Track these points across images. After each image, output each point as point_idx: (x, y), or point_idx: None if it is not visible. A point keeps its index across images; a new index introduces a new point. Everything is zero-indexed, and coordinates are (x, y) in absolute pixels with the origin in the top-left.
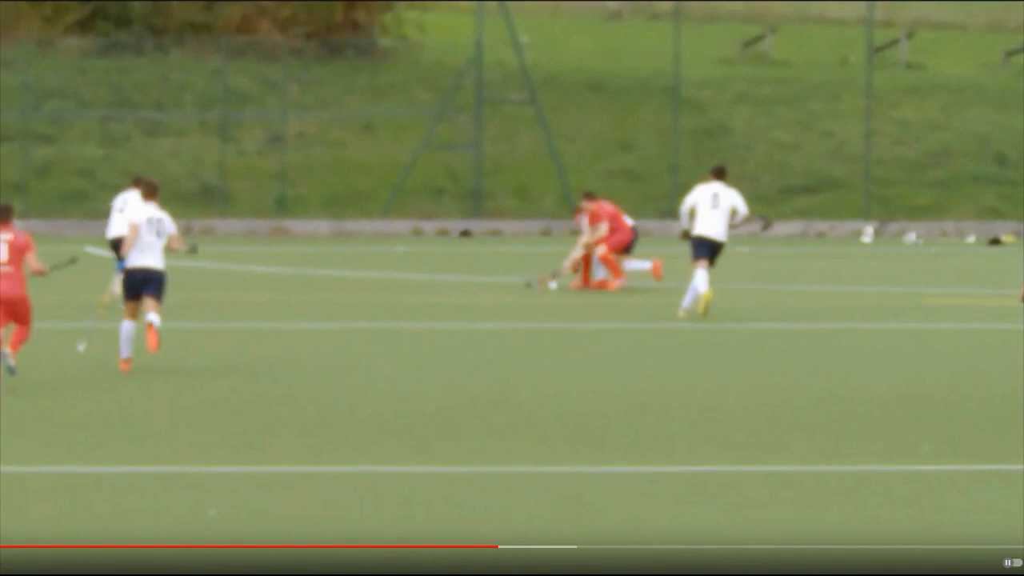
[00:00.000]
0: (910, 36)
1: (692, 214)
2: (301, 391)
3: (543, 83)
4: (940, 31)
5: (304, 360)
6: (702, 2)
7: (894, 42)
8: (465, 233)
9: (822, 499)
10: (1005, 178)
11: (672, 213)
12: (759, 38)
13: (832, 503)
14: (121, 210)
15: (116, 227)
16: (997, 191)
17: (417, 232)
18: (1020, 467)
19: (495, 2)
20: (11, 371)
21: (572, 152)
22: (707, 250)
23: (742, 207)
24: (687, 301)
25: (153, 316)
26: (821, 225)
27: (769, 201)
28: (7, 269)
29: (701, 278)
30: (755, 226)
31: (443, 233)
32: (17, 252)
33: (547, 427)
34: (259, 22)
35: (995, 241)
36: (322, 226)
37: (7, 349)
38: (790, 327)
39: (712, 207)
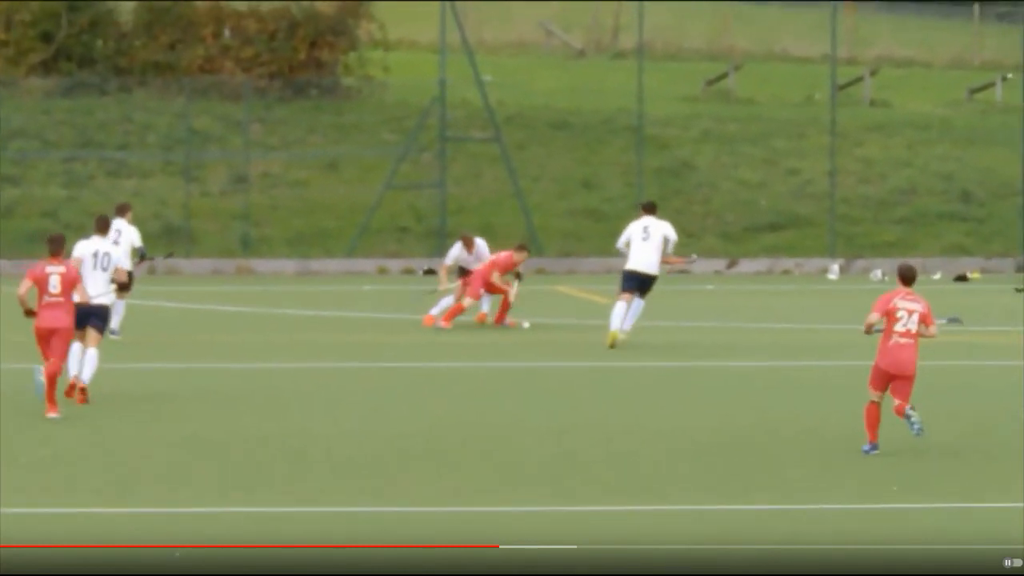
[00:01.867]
0: (874, 73)
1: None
2: (266, 431)
3: (507, 121)
4: (904, 68)
5: (269, 399)
6: (665, 40)
7: (858, 79)
8: (430, 272)
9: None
10: (970, 215)
11: None
12: (723, 76)
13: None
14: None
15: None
16: (962, 228)
17: (382, 271)
18: (1001, 504)
19: (458, 41)
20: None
21: (536, 191)
22: (635, 283)
23: (672, 235)
24: (628, 323)
25: (89, 358)
26: (787, 262)
27: (734, 239)
28: (59, 300)
29: (617, 313)
30: (686, 264)
31: (408, 272)
32: (69, 284)
33: (515, 467)
34: (222, 62)
35: (961, 278)
36: (287, 265)
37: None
38: (753, 365)
39: (643, 240)
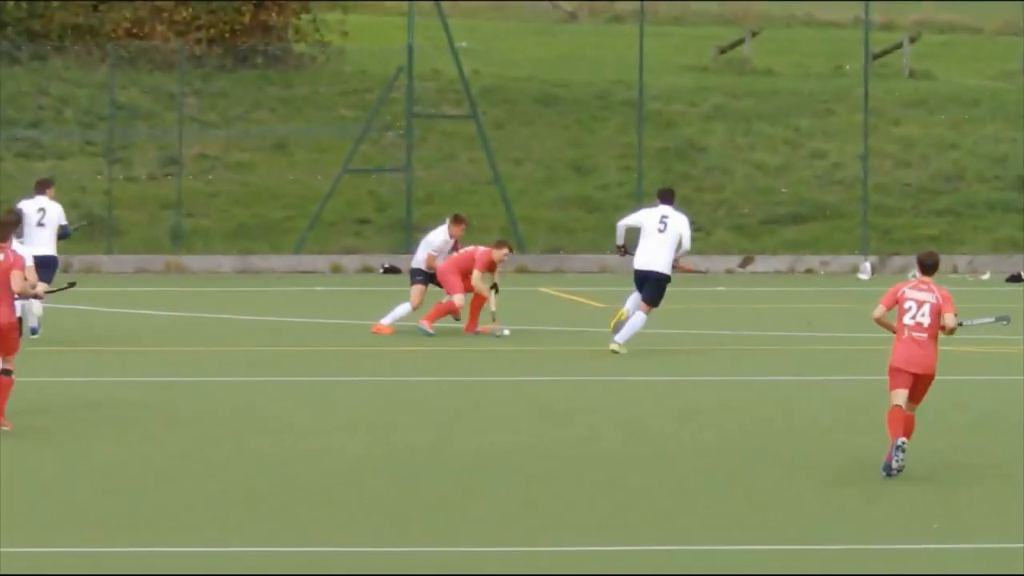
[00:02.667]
0: (914, 41)
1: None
2: (198, 455)
3: (485, 95)
4: (948, 34)
5: (203, 418)
6: (671, 0)
7: (896, 47)
8: (391, 270)
9: None
10: None
11: (636, 247)
12: (738, 43)
13: None
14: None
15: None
16: (1017, 220)
17: (337, 269)
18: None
19: (429, 2)
20: None
21: (519, 176)
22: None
23: (687, 239)
24: (623, 336)
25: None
26: (811, 260)
27: (750, 233)
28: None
29: (632, 299)
30: (693, 271)
31: (367, 271)
32: (3, 274)
33: (481, 498)
34: (153, 25)
35: (1015, 278)
36: (225, 262)
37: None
38: (766, 380)
39: (659, 232)
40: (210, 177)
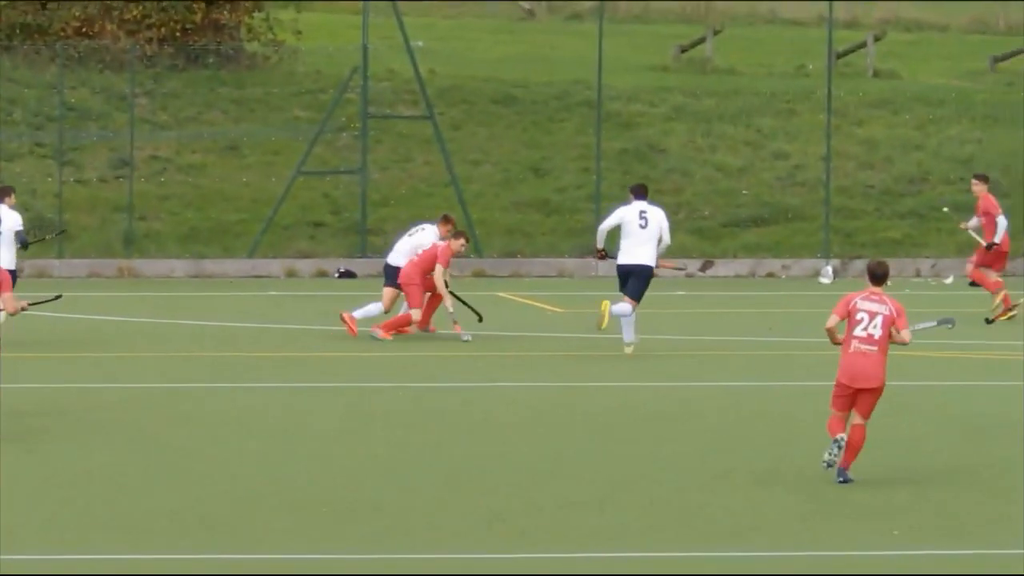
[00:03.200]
0: (878, 39)
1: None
2: (152, 466)
3: (441, 96)
4: (914, 33)
5: (157, 426)
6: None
7: (860, 46)
8: (347, 274)
9: None
10: None
11: (594, 250)
12: (699, 41)
13: None
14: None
15: None
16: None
17: (291, 273)
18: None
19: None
20: None
21: (476, 178)
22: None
23: (666, 235)
24: (628, 336)
25: None
26: (772, 264)
27: (710, 236)
28: None
29: (620, 305)
30: (674, 271)
31: (322, 275)
32: None
33: (433, 512)
34: (103, 24)
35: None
36: (178, 267)
37: None
38: (724, 386)
39: (641, 228)
40: (162, 179)
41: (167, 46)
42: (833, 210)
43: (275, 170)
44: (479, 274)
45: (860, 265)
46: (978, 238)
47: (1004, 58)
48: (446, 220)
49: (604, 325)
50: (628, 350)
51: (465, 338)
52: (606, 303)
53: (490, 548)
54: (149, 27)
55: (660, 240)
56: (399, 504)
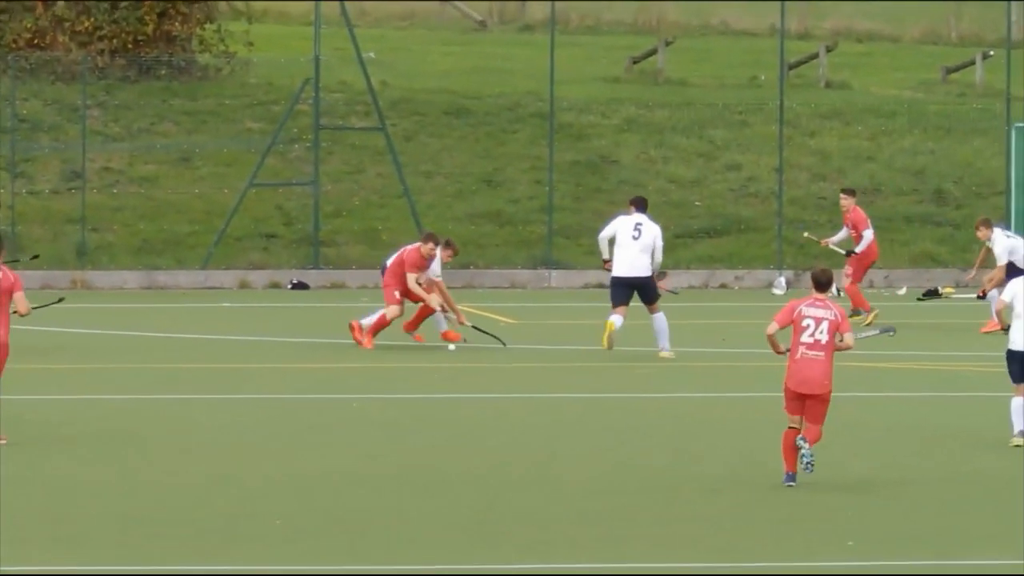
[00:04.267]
0: (830, 50)
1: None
2: (104, 478)
3: (393, 107)
4: (866, 44)
5: (110, 439)
6: (583, 10)
7: (812, 57)
8: (300, 286)
9: None
10: (944, 219)
11: (548, 262)
12: (651, 53)
13: None
14: None
15: None
16: (935, 234)
17: (244, 285)
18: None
19: (336, 11)
20: None
21: (429, 190)
22: (626, 293)
23: (660, 251)
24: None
25: None
26: (725, 275)
27: (664, 247)
28: None
29: (616, 313)
30: (666, 291)
31: (275, 286)
32: (3, 294)
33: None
34: (54, 36)
35: (931, 293)
36: (131, 278)
37: None
38: (675, 397)
39: (633, 239)
40: (114, 191)
41: (119, 58)
42: (786, 221)
43: (227, 182)
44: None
45: None
46: (841, 251)
47: (956, 69)
48: (446, 244)
49: (609, 339)
50: (664, 354)
51: (450, 348)
52: (610, 323)
53: (458, 558)
54: (101, 39)
55: (653, 254)
56: (358, 516)
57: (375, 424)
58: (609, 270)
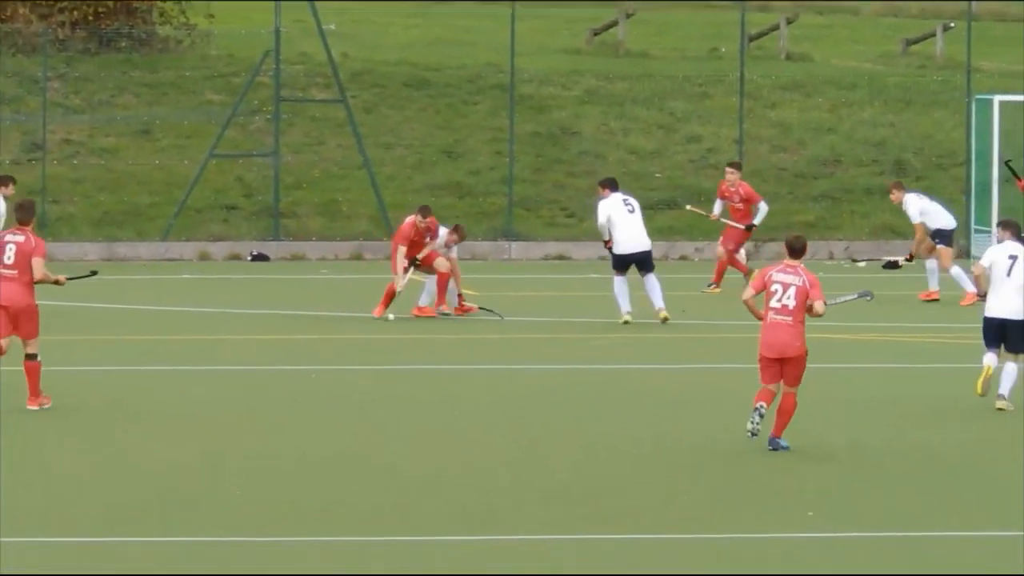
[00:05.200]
0: (791, 22)
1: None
2: (72, 449)
3: (353, 79)
4: (827, 16)
5: (69, 412)
6: None
7: (772, 29)
8: (260, 257)
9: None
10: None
11: (508, 233)
12: (611, 25)
13: None
14: None
15: None
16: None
17: (204, 257)
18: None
19: None
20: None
21: (389, 161)
22: (632, 264)
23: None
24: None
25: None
26: (685, 247)
27: None
28: (11, 273)
29: (621, 292)
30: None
31: (235, 258)
32: (24, 256)
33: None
34: (14, 8)
35: (892, 264)
36: (91, 250)
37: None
38: (636, 368)
39: (629, 212)
40: (75, 163)
41: (80, 29)
42: None
43: (188, 153)
44: (391, 257)
45: (774, 248)
46: (740, 226)
47: (916, 41)
48: (454, 229)
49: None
50: (662, 314)
51: (389, 317)
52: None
53: (418, 531)
54: (62, 11)
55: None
56: (289, 495)
57: (339, 397)
58: (610, 249)
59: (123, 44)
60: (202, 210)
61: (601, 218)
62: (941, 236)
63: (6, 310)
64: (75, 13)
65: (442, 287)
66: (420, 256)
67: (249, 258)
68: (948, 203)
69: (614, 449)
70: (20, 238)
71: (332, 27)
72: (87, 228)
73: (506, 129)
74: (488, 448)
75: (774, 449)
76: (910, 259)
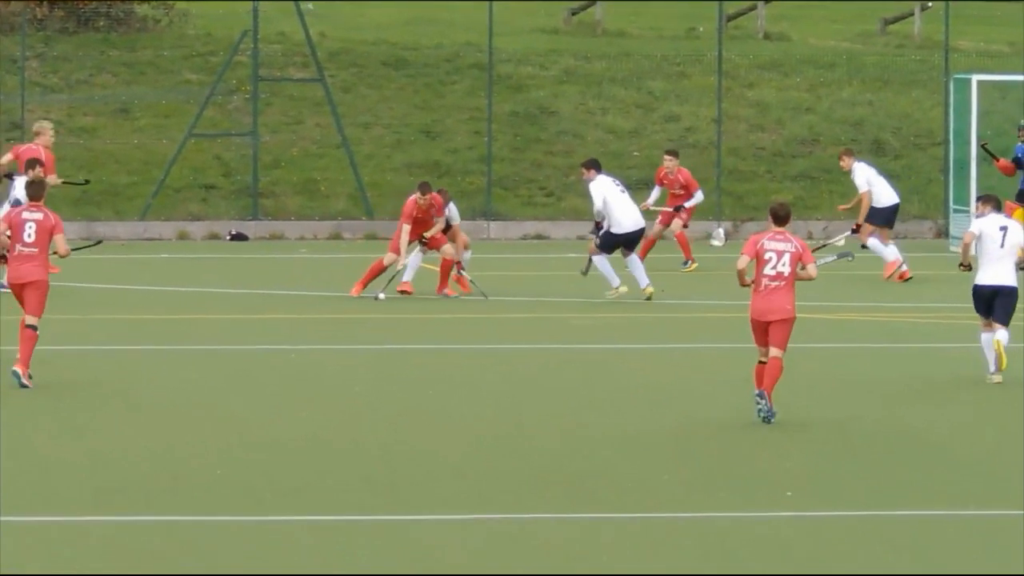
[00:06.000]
0: (769, 1)
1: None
2: (40, 431)
3: (332, 59)
4: None
5: (48, 391)
6: None
7: (750, 8)
8: (239, 237)
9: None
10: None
11: (487, 213)
12: (589, 4)
13: None
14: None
15: None
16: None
17: (183, 236)
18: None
19: None
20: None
21: (367, 140)
22: (627, 244)
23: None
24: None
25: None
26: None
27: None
28: (32, 251)
29: (637, 268)
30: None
31: (214, 237)
32: (45, 234)
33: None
34: None
35: (845, 255)
36: (69, 229)
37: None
38: (608, 348)
39: (622, 192)
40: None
41: (58, 9)
42: (724, 172)
43: (166, 133)
44: (371, 236)
45: (752, 227)
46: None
47: (894, 21)
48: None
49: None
50: (648, 291)
51: (379, 296)
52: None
53: (390, 509)
54: None
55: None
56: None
57: (319, 377)
58: (602, 230)
59: (101, 23)
60: (181, 190)
61: (598, 202)
62: (873, 213)
63: (26, 287)
64: None
65: (445, 273)
66: (428, 234)
67: (228, 237)
68: (927, 182)
69: (596, 428)
70: (39, 215)
71: (310, 6)
72: (65, 208)
73: (484, 109)
74: (471, 427)
75: (760, 398)
76: (856, 229)
